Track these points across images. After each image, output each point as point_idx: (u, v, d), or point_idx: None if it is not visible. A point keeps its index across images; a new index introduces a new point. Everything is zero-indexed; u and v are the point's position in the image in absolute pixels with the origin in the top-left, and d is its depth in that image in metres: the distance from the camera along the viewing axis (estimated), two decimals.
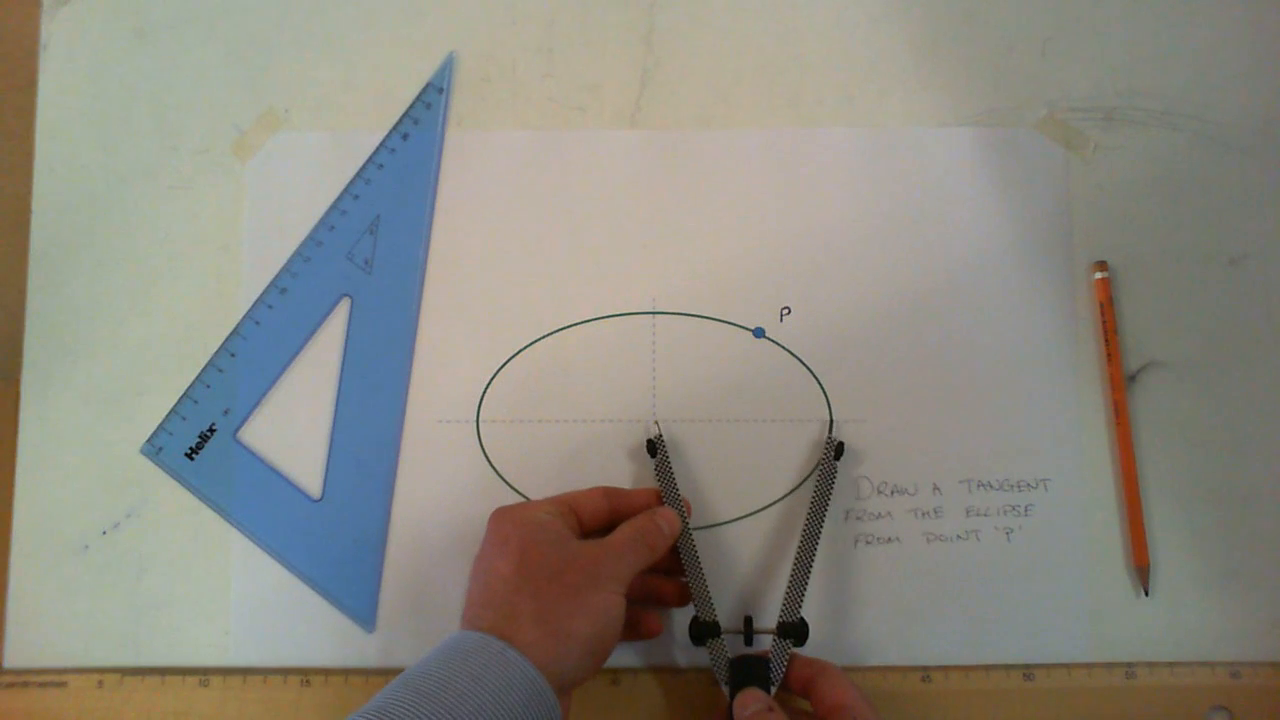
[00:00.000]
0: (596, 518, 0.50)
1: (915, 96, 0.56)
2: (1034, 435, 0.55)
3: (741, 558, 0.54)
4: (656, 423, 0.54)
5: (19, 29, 0.57)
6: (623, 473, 0.54)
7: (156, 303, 0.56)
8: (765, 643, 0.50)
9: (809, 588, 0.51)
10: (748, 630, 0.51)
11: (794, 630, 0.50)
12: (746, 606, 0.53)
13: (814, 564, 0.51)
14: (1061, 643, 0.53)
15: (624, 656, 0.53)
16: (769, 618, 0.52)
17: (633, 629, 0.51)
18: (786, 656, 0.49)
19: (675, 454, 0.54)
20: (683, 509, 0.52)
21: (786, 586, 0.51)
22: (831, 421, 0.54)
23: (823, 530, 0.52)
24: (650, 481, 0.53)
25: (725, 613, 0.53)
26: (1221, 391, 0.55)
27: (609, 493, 0.51)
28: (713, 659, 0.49)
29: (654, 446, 0.53)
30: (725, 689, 0.49)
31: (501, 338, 0.55)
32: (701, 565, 0.51)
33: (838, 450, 0.53)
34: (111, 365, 0.55)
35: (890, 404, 0.55)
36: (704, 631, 0.50)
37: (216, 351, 0.55)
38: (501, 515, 0.48)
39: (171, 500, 0.55)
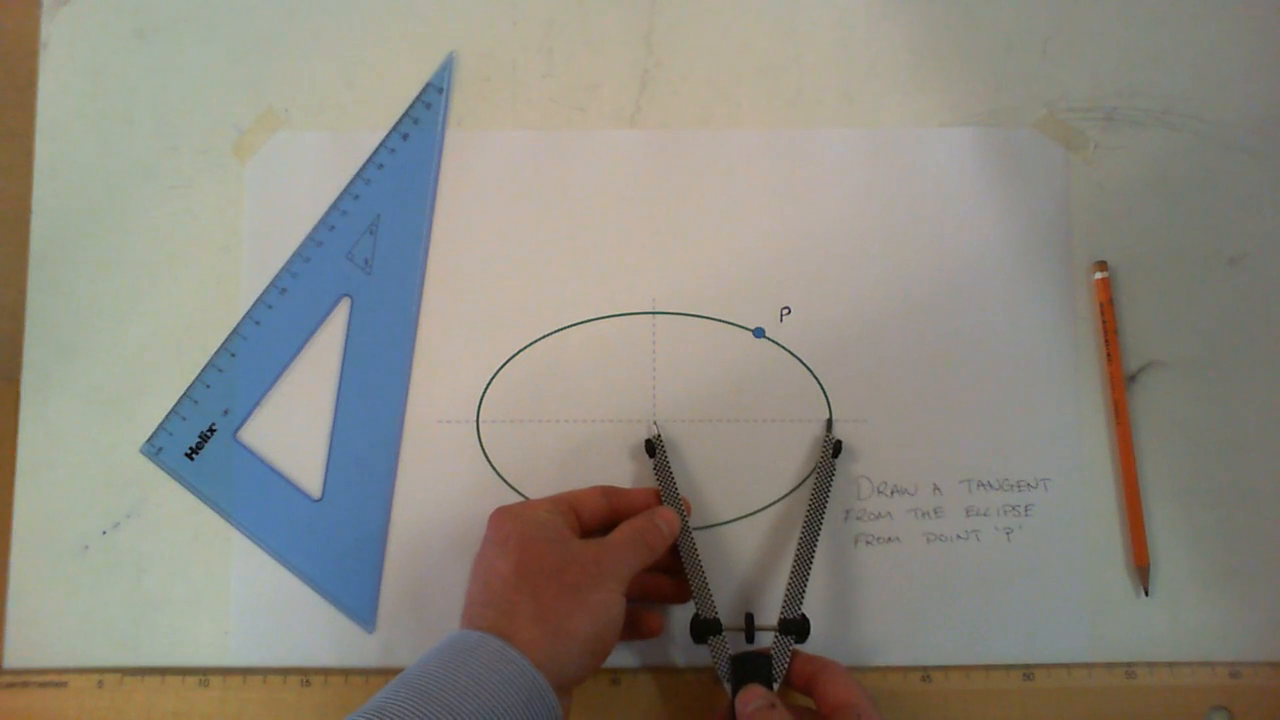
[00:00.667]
0: (596, 517, 0.50)
1: (915, 96, 0.56)
2: (1034, 435, 0.55)
3: (742, 557, 0.54)
4: (655, 423, 0.54)
5: (19, 29, 0.57)
6: (623, 472, 0.54)
7: (156, 303, 0.56)
8: (767, 640, 0.50)
9: (809, 586, 0.51)
10: (749, 628, 0.51)
11: (795, 627, 0.50)
12: (747, 605, 0.54)
13: (814, 562, 0.51)
14: (1061, 643, 0.53)
15: (624, 656, 0.54)
16: (770, 616, 0.52)
17: (634, 628, 0.51)
18: (789, 653, 0.49)
19: (675, 454, 0.54)
20: (682, 508, 0.52)
21: (787, 583, 0.51)
22: (830, 420, 0.54)
23: (823, 529, 0.52)
24: (650, 481, 0.53)
25: (726, 611, 0.53)
26: (1221, 391, 0.55)
27: (608, 492, 0.51)
28: (714, 656, 0.49)
29: (653, 447, 0.53)
30: (727, 686, 0.49)
31: (501, 338, 0.55)
32: (702, 563, 0.51)
33: (836, 448, 0.53)
34: (111, 365, 0.55)
35: (890, 404, 0.55)
36: (705, 629, 0.50)
37: (216, 351, 0.55)
38: (501, 514, 0.48)
39: (171, 500, 0.55)
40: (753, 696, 0.47)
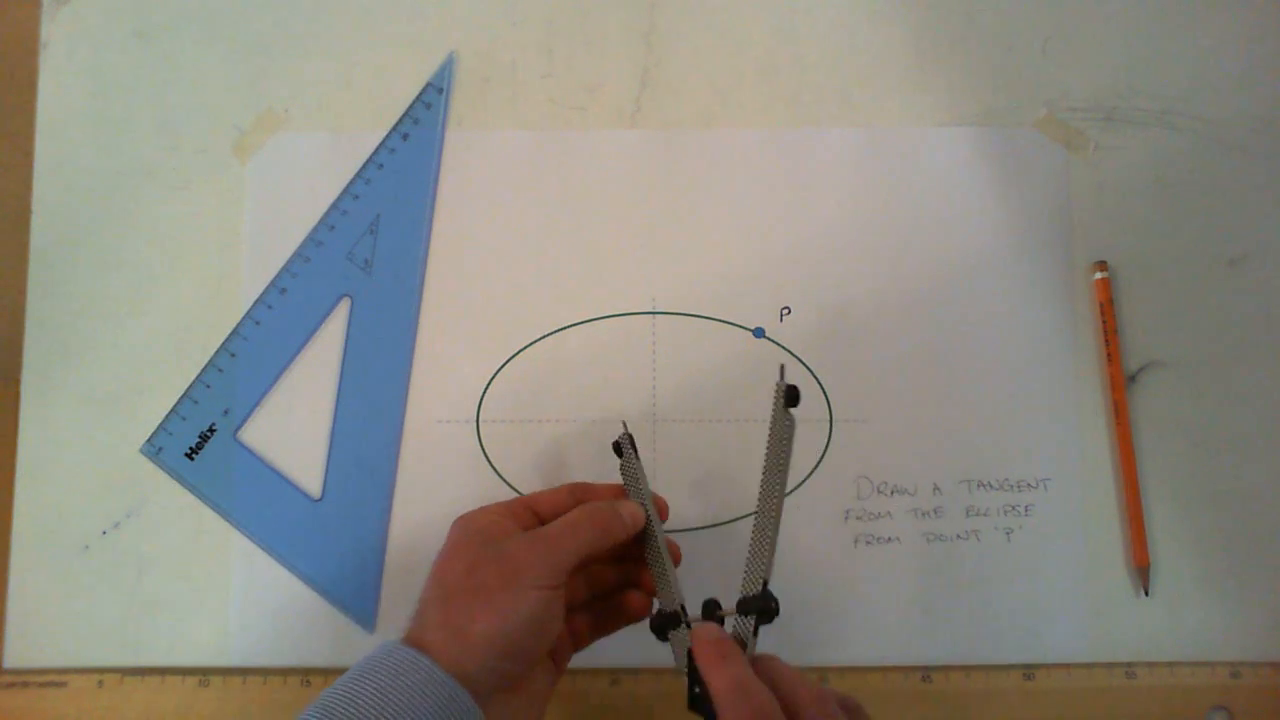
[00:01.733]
0: (558, 515, 0.47)
1: (915, 96, 0.56)
2: (1034, 435, 0.55)
3: (740, 557, 0.54)
4: (624, 423, 0.52)
5: (19, 29, 0.57)
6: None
7: (156, 303, 0.56)
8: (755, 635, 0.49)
9: (808, 587, 0.51)
10: (707, 614, 0.45)
11: (756, 605, 0.42)
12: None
13: (809, 559, 0.50)
14: (1061, 643, 0.53)
15: (623, 656, 0.53)
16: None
17: (617, 614, 0.48)
18: (753, 637, 0.42)
19: (675, 454, 0.54)
20: (651, 507, 0.48)
21: (746, 556, 0.45)
22: (783, 366, 0.52)
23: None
24: (650, 480, 0.53)
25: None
26: (1221, 391, 0.55)
27: (575, 489, 0.48)
28: (674, 650, 0.44)
29: (620, 448, 0.49)
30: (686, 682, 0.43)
31: (501, 338, 0.55)
32: (666, 557, 0.47)
33: (790, 397, 0.46)
34: (111, 365, 0.55)
35: (890, 404, 0.55)
36: (665, 624, 0.45)
37: (216, 351, 0.55)
38: (455, 523, 0.46)
39: (171, 500, 0.55)
40: (708, 631, 0.42)
